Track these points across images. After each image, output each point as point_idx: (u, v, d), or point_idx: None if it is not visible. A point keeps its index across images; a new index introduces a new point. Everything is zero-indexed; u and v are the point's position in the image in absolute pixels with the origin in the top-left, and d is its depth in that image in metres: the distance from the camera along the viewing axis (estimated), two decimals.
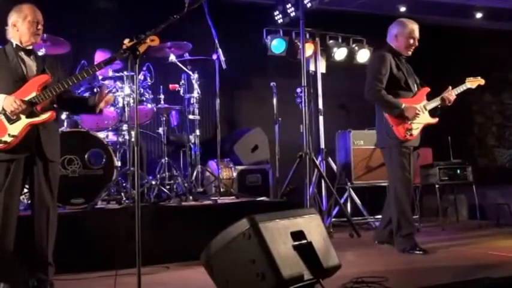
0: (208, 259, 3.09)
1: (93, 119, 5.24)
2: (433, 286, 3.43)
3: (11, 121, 3.48)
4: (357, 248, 5.16)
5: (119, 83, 5.28)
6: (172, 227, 4.61)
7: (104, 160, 4.93)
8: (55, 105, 3.71)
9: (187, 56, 5.73)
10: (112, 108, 5.26)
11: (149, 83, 5.46)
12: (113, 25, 6.38)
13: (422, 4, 7.51)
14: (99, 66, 3.66)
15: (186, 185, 5.43)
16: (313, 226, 3.18)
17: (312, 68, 7.00)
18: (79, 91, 5.23)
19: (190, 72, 5.69)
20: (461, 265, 4.15)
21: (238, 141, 6.65)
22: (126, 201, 4.80)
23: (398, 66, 4.75)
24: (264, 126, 6.78)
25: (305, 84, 6.18)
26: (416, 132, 4.69)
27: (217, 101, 5.79)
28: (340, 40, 7.30)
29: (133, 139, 4.97)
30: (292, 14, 6.92)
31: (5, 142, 3.45)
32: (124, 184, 5.04)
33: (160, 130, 5.64)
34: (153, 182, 5.26)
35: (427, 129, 4.78)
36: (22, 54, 3.64)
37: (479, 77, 5.04)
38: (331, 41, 7.23)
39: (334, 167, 6.72)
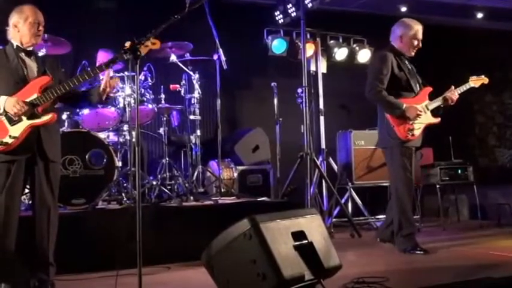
0: (209, 259, 3.09)
1: (94, 119, 5.24)
2: (434, 286, 3.43)
3: (12, 122, 3.48)
4: (357, 248, 5.16)
5: (119, 83, 5.28)
6: (173, 227, 4.61)
7: (104, 160, 4.93)
8: (56, 106, 3.71)
9: (188, 56, 5.74)
10: (113, 109, 5.26)
11: (150, 83, 5.46)
12: (113, 25, 6.39)
13: (423, 4, 7.51)
14: (100, 68, 3.66)
15: (186, 185, 5.43)
16: (314, 226, 3.17)
17: (312, 68, 7.01)
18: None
19: (191, 73, 5.70)
20: (462, 265, 4.14)
21: (239, 142, 6.65)
22: (127, 202, 4.81)
23: (400, 66, 4.73)
24: (264, 127, 6.79)
25: (306, 85, 6.18)
26: (417, 132, 4.66)
27: (218, 101, 5.80)
28: (341, 40, 7.30)
29: (134, 139, 4.97)
30: (293, 14, 6.92)
31: (6, 143, 3.45)
32: (125, 184, 5.04)
33: (161, 130, 5.64)
34: (154, 183, 5.27)
35: (428, 129, 4.77)
36: (23, 55, 3.64)
37: (483, 76, 5.00)
38: (331, 41, 7.23)
39: (335, 167, 6.71)
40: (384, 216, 5.24)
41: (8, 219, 3.46)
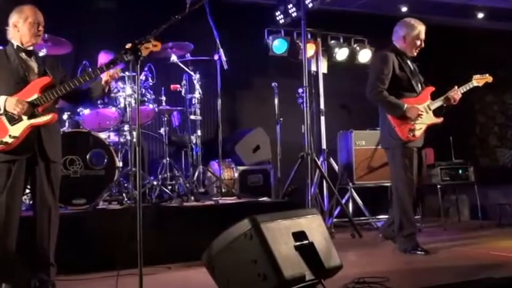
0: (210, 259, 3.09)
1: (94, 119, 5.24)
2: (434, 286, 3.42)
3: (12, 122, 3.48)
4: (358, 249, 5.16)
5: (120, 84, 5.28)
6: (174, 228, 4.61)
7: (105, 160, 4.93)
8: (57, 106, 3.71)
9: (188, 56, 5.74)
10: (114, 109, 5.26)
11: (151, 84, 5.46)
12: (113, 25, 6.40)
13: (424, 4, 7.51)
14: (101, 69, 3.66)
15: (187, 185, 5.43)
16: (314, 226, 3.17)
17: (313, 68, 7.01)
18: None
19: (192, 73, 5.70)
20: (463, 265, 4.14)
21: (239, 142, 6.65)
22: (128, 202, 4.80)
23: (402, 66, 4.71)
24: (265, 127, 6.79)
25: (306, 85, 6.16)
26: (419, 132, 4.64)
27: (219, 101, 5.80)
28: (341, 40, 7.30)
29: (134, 139, 4.97)
30: (294, 14, 6.92)
31: (6, 143, 3.45)
32: (126, 184, 5.04)
33: (162, 130, 5.64)
34: (155, 183, 5.27)
35: (429, 129, 4.75)
36: (23, 55, 3.64)
37: (487, 74, 4.97)
38: (332, 41, 7.23)
39: (336, 167, 6.71)
40: (385, 216, 5.24)
41: (8, 219, 3.46)
